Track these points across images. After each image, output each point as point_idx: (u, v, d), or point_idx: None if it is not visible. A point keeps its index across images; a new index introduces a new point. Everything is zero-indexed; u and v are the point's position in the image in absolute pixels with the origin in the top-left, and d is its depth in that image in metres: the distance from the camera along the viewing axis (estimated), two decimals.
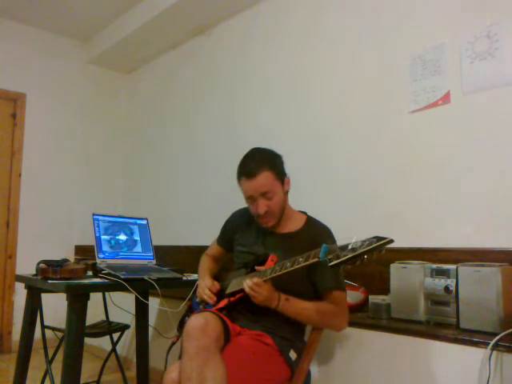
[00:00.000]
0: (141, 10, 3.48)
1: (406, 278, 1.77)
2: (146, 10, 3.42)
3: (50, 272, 1.88)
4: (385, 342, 1.68)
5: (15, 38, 3.82)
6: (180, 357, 1.39)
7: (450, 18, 2.07)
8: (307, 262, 1.36)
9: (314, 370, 1.83)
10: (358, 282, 2.05)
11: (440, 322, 1.68)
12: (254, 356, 1.45)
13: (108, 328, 2.57)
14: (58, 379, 1.91)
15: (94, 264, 2.08)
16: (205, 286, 1.73)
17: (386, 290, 1.88)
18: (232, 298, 1.58)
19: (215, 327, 1.38)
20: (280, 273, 1.42)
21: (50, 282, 1.86)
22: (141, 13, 3.48)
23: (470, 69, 1.98)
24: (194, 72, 3.60)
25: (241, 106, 3.14)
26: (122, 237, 2.32)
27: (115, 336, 2.59)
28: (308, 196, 2.41)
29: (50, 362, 2.32)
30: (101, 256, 2.19)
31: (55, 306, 2.66)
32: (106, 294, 2.65)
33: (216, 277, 1.85)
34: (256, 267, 1.55)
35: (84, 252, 3.63)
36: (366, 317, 1.86)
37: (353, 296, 1.93)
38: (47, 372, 2.28)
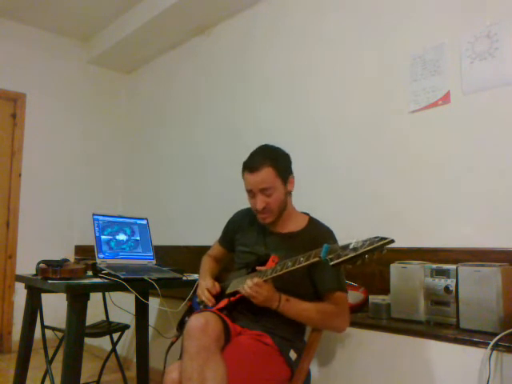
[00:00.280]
0: (141, 10, 3.48)
1: (406, 278, 1.77)
2: (145, 10, 3.42)
3: (50, 272, 1.88)
4: (385, 342, 1.68)
5: (15, 38, 3.82)
6: (180, 357, 1.39)
7: (450, 17, 2.07)
8: (308, 262, 1.35)
9: (314, 369, 1.83)
10: (358, 281, 2.04)
11: (440, 322, 1.68)
12: (254, 356, 1.45)
13: (108, 328, 2.57)
14: (58, 379, 1.91)
15: (94, 264, 2.08)
16: (205, 287, 1.72)
17: (386, 290, 1.88)
18: (232, 298, 1.58)
19: (215, 327, 1.38)
20: (281, 272, 1.42)
21: (49, 282, 1.86)
22: (141, 13, 3.48)
23: (469, 69, 1.98)
24: (193, 72, 3.60)
25: (240, 106, 3.14)
26: (122, 237, 2.32)
27: (115, 336, 2.59)
28: (308, 196, 2.41)
29: (49, 362, 2.32)
30: (101, 256, 2.19)
31: (55, 306, 2.66)
32: (106, 293, 2.65)
33: (217, 277, 1.85)
34: (257, 267, 1.55)
35: (84, 252, 3.63)
36: (366, 317, 1.86)
37: (353, 296, 1.93)
38: (47, 372, 2.28)
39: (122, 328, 2.58)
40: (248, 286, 1.46)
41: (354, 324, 1.73)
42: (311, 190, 2.53)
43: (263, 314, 1.55)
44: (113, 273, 1.96)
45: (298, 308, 1.52)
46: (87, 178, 4.16)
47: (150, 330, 2.56)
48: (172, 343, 1.74)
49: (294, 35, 2.81)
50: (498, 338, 1.40)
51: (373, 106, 2.34)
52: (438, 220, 2.03)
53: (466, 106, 1.99)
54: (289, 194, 1.69)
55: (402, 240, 1.93)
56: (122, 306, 2.42)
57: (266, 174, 1.60)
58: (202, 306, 1.71)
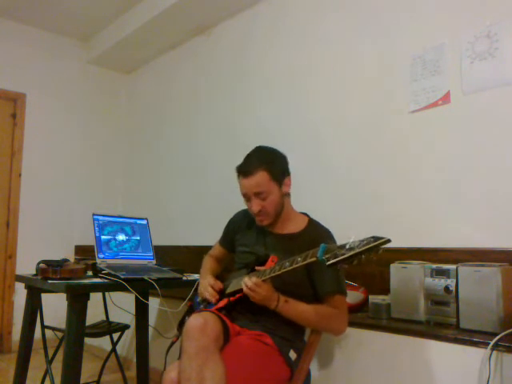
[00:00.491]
0: (141, 10, 3.48)
1: (406, 277, 1.77)
2: (145, 10, 3.42)
3: (50, 272, 1.88)
4: (385, 342, 1.68)
5: (15, 38, 3.82)
6: (179, 356, 1.39)
7: (450, 17, 2.07)
8: (305, 262, 1.35)
9: (314, 369, 1.82)
10: (357, 282, 2.04)
11: (440, 322, 1.68)
12: (253, 356, 1.45)
13: (108, 328, 2.57)
14: (58, 379, 1.91)
15: (94, 264, 2.08)
16: (207, 284, 1.72)
17: (386, 290, 1.88)
18: (232, 298, 1.58)
19: (214, 327, 1.38)
20: (279, 272, 1.42)
21: (49, 281, 1.86)
22: (141, 13, 3.48)
23: (469, 69, 1.97)
24: (193, 72, 3.60)
25: (240, 106, 3.14)
26: (122, 237, 2.32)
27: (115, 336, 2.59)
28: (308, 196, 2.41)
29: (49, 361, 2.32)
30: (101, 256, 2.19)
31: (55, 306, 2.66)
32: (106, 293, 2.65)
33: (218, 277, 1.85)
34: (256, 267, 1.55)
35: (84, 252, 3.63)
36: (366, 317, 1.86)
37: (353, 296, 1.93)
38: (47, 372, 2.28)
39: (122, 328, 2.58)
40: (246, 284, 1.46)
41: (353, 324, 1.73)
42: (311, 190, 2.53)
43: (263, 313, 1.54)
44: (113, 273, 1.96)
45: (296, 309, 1.52)
46: (87, 178, 4.16)
47: (150, 330, 2.56)
48: (172, 343, 1.74)
49: (294, 35, 2.81)
50: (497, 338, 1.39)
51: (373, 106, 2.34)
52: (438, 220, 2.03)
53: (465, 106, 1.99)
54: (286, 195, 1.68)
55: (402, 240, 1.94)
56: (122, 306, 2.42)
57: (261, 178, 1.58)
58: (202, 306, 1.71)
